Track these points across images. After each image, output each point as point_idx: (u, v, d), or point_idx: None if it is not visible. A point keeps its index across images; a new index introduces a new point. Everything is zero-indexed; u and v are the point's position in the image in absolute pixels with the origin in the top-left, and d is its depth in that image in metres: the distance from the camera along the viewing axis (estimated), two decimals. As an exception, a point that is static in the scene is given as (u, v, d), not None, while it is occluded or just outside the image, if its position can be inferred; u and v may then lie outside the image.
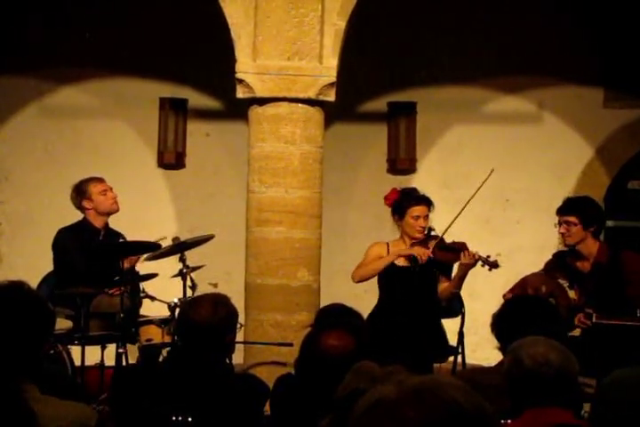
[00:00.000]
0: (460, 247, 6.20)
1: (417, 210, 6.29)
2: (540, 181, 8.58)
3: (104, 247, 6.59)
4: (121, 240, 6.58)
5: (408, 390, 1.51)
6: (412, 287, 6.25)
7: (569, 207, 6.04)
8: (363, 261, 6.44)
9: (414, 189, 6.53)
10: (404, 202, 6.33)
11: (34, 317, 2.89)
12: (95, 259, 6.45)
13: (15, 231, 8.58)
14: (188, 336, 3.63)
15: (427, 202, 6.34)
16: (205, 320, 3.63)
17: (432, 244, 6.24)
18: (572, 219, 5.97)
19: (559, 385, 3.11)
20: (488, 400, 1.59)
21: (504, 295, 5.99)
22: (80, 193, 6.65)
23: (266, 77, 6.40)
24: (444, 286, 6.36)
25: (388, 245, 6.45)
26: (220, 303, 3.72)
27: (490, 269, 6.16)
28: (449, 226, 6.30)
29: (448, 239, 6.36)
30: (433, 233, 6.33)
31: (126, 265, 6.40)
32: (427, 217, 6.32)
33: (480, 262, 6.17)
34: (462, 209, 6.32)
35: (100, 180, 6.73)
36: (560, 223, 6.03)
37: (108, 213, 6.72)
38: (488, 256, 6.12)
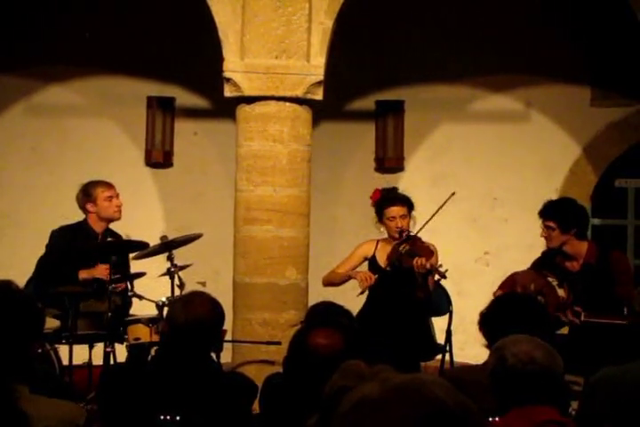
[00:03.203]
0: (419, 253, 6.18)
1: (392, 211, 6.34)
2: (528, 179, 8.60)
3: (96, 247, 6.56)
4: (109, 239, 6.57)
5: (391, 389, 1.51)
6: (393, 288, 6.28)
7: (547, 212, 6.08)
8: (343, 260, 6.52)
9: (393, 189, 6.57)
10: (381, 203, 6.40)
11: (21, 316, 2.87)
12: (84, 261, 6.44)
13: (2, 231, 8.55)
14: (183, 335, 3.61)
15: (401, 202, 6.36)
16: (206, 317, 3.63)
17: (404, 247, 6.25)
18: (551, 224, 6.02)
19: (544, 383, 3.12)
20: (475, 398, 1.59)
21: (494, 293, 6.01)
22: (86, 195, 6.59)
23: (253, 76, 6.40)
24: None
25: (377, 243, 6.51)
26: (214, 301, 3.73)
27: (438, 280, 6.22)
28: (418, 231, 6.33)
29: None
30: (412, 234, 6.35)
31: (84, 275, 6.38)
32: (403, 217, 6.34)
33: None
34: (428, 221, 6.32)
35: (109, 185, 6.64)
36: (542, 226, 6.08)
37: (110, 220, 6.68)
38: (440, 265, 6.13)
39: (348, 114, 8.76)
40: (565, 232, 6.01)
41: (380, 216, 6.42)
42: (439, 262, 6.18)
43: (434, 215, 6.32)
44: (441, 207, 6.33)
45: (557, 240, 6.04)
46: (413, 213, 6.43)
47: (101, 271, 6.36)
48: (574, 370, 5.17)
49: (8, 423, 2.36)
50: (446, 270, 6.09)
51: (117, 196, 6.65)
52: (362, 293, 6.28)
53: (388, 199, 6.40)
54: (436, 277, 6.17)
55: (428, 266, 6.07)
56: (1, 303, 2.89)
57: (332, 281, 6.54)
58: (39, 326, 2.99)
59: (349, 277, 6.45)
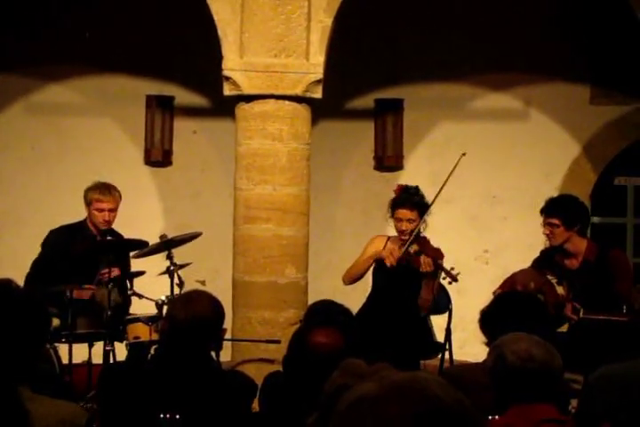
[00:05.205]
0: (429, 254, 6.16)
1: (400, 213, 6.31)
2: (527, 177, 8.60)
3: (95, 245, 6.56)
4: (108, 238, 6.56)
5: (389, 387, 1.51)
6: (397, 286, 6.27)
7: (550, 209, 6.05)
8: (357, 258, 6.49)
9: (414, 189, 6.45)
10: (393, 202, 6.36)
11: (21, 315, 2.86)
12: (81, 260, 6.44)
13: (2, 230, 8.55)
14: (183, 333, 3.61)
15: (412, 206, 6.31)
16: (206, 316, 3.63)
17: (413, 248, 6.23)
18: (555, 221, 5.99)
19: (543, 381, 3.12)
20: (475, 397, 1.59)
21: (494, 292, 6.00)
22: (84, 196, 6.63)
23: (253, 74, 6.40)
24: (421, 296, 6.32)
25: (388, 239, 6.46)
26: (214, 299, 3.73)
27: (450, 283, 6.13)
28: (432, 202, 6.31)
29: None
30: (422, 235, 6.33)
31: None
32: (410, 221, 6.27)
33: (443, 274, 6.14)
34: (438, 193, 6.30)
35: (105, 197, 6.53)
36: (544, 224, 6.05)
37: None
38: (452, 268, 6.06)
39: (347, 112, 8.76)
40: (569, 229, 6.00)
41: (392, 214, 6.38)
42: (451, 266, 6.13)
43: (445, 183, 6.27)
44: (452, 172, 6.31)
45: (561, 237, 6.01)
46: (427, 217, 6.36)
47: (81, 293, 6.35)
48: (574, 368, 5.17)
49: (9, 422, 2.35)
50: (458, 273, 6.03)
51: (112, 209, 6.55)
52: (391, 266, 6.20)
53: (398, 200, 6.35)
54: (447, 279, 6.13)
55: (433, 265, 6.06)
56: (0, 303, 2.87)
57: (355, 274, 6.44)
58: (43, 326, 2.95)
59: (373, 260, 6.37)
